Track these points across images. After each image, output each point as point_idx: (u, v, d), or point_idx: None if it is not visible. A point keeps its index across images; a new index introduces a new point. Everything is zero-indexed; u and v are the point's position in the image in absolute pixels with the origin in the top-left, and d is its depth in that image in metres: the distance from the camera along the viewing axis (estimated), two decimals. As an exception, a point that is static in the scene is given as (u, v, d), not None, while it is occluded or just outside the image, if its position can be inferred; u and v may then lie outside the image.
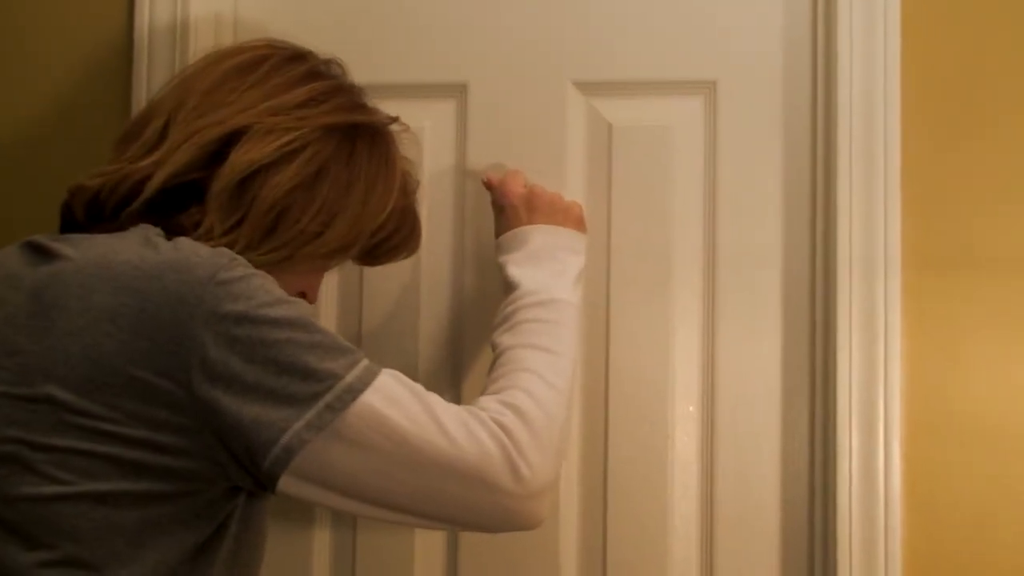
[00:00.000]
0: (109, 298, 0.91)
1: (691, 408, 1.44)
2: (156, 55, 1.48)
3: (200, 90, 1.08)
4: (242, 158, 1.04)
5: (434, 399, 0.98)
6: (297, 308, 0.96)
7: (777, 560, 1.42)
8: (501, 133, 1.47)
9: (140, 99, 1.45)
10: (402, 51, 1.49)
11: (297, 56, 1.14)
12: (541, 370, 1.08)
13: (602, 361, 1.44)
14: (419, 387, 0.98)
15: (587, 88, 1.47)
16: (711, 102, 1.46)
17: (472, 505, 0.96)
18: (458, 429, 0.96)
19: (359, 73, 1.19)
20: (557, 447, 1.02)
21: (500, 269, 1.25)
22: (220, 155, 1.04)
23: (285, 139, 1.06)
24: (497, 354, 1.14)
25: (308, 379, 0.92)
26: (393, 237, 1.24)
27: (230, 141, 1.05)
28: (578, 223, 1.31)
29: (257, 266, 0.99)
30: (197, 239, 1.00)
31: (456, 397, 1.45)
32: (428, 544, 1.46)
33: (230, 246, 1.01)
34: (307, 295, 1.19)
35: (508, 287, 1.22)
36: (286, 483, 0.93)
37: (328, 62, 1.16)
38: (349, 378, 0.93)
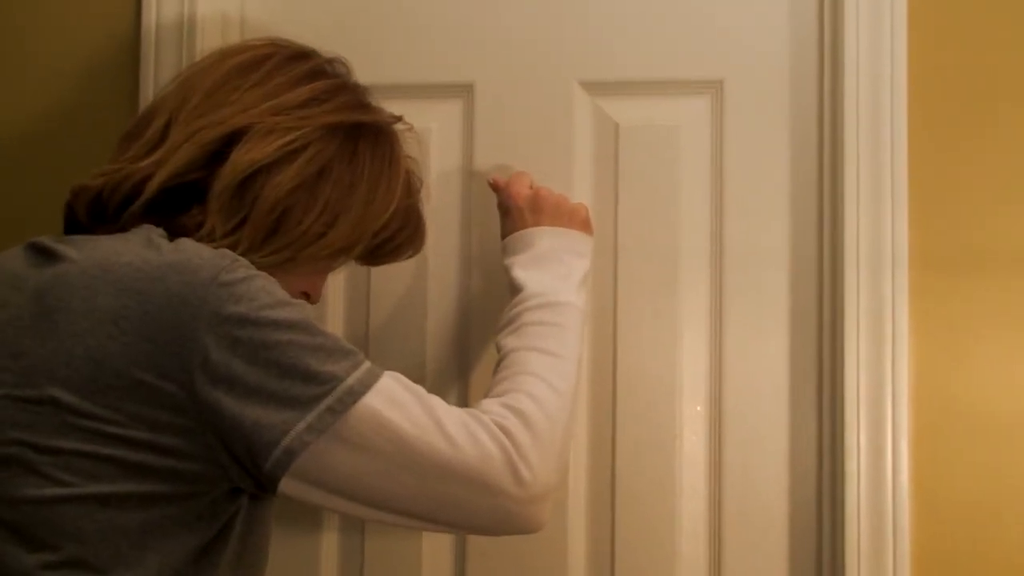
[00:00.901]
0: (112, 300, 0.92)
1: (699, 407, 1.44)
2: (163, 54, 1.48)
3: (202, 89, 1.07)
4: (243, 158, 1.04)
5: (436, 402, 0.98)
6: (299, 310, 0.96)
7: (785, 559, 1.41)
8: (508, 133, 1.47)
9: (147, 98, 1.46)
10: (408, 51, 1.49)
11: (300, 55, 1.13)
12: (544, 373, 1.07)
13: (609, 361, 1.44)
14: (421, 389, 0.98)
15: (594, 88, 1.47)
16: (718, 102, 1.45)
17: (473, 508, 0.96)
18: (459, 432, 0.95)
19: (365, 74, 1.19)
20: (559, 451, 1.02)
21: (505, 271, 1.25)
22: (221, 155, 1.04)
23: (286, 139, 1.06)
24: (501, 356, 1.13)
25: (310, 381, 0.92)
26: (397, 236, 1.24)
27: (231, 141, 1.04)
28: (584, 225, 1.30)
29: (260, 268, 0.99)
30: (199, 240, 1.00)
31: (463, 397, 1.45)
32: (436, 548, 1.46)
33: (232, 247, 1.01)
34: (310, 296, 1.19)
35: (513, 289, 1.22)
36: (287, 485, 0.93)
37: (332, 61, 1.16)
38: (351, 380, 0.93)
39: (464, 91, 1.48)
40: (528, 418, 1.00)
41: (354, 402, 0.93)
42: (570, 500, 1.43)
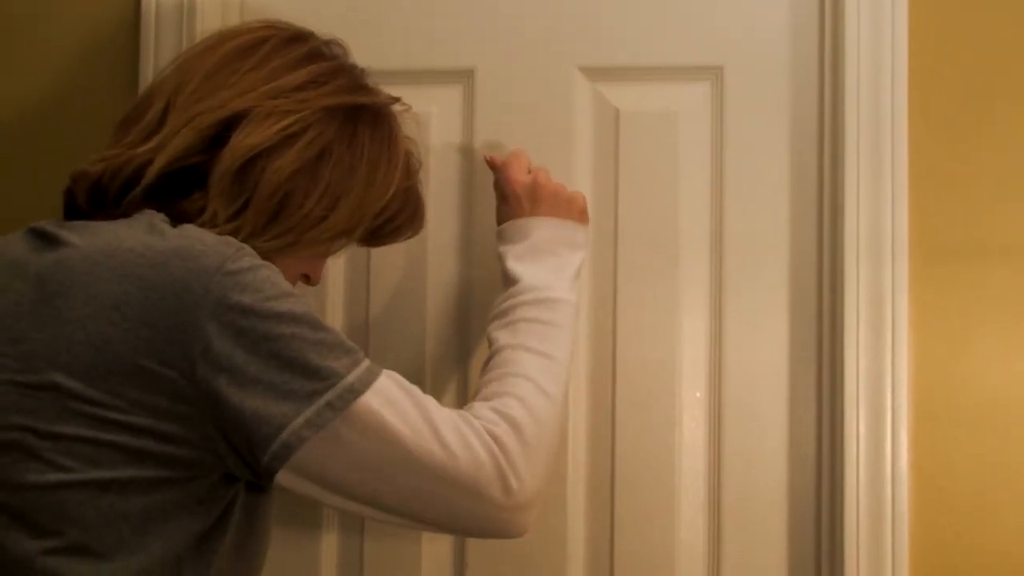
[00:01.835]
0: (114, 286, 0.91)
1: (698, 394, 1.44)
2: (163, 36, 1.48)
3: (200, 73, 1.07)
4: (242, 142, 1.03)
5: (431, 404, 0.98)
6: (303, 303, 0.96)
7: (784, 545, 1.42)
8: (508, 119, 1.46)
9: (147, 80, 1.45)
10: (409, 37, 1.48)
11: (297, 37, 1.13)
12: (536, 376, 1.08)
13: (609, 347, 1.44)
14: (416, 390, 0.99)
15: (594, 73, 1.47)
16: (718, 87, 1.45)
17: (460, 511, 0.97)
18: (453, 437, 0.96)
19: (366, 59, 1.19)
20: (547, 456, 1.03)
21: (499, 259, 1.25)
22: (220, 139, 1.04)
23: (285, 122, 1.05)
24: (493, 351, 1.14)
25: (310, 376, 0.92)
26: (397, 218, 1.23)
27: (230, 125, 1.04)
28: (581, 215, 1.29)
29: (262, 252, 0.99)
30: (201, 225, 1.00)
31: (462, 386, 1.46)
32: (435, 549, 1.46)
33: (234, 233, 1.01)
34: (310, 278, 1.19)
35: (507, 280, 1.22)
36: (283, 477, 0.93)
37: (329, 43, 1.15)
38: (350, 378, 0.93)
39: (465, 76, 1.48)
40: (518, 425, 1.00)
41: (353, 399, 0.93)
42: (569, 487, 1.44)
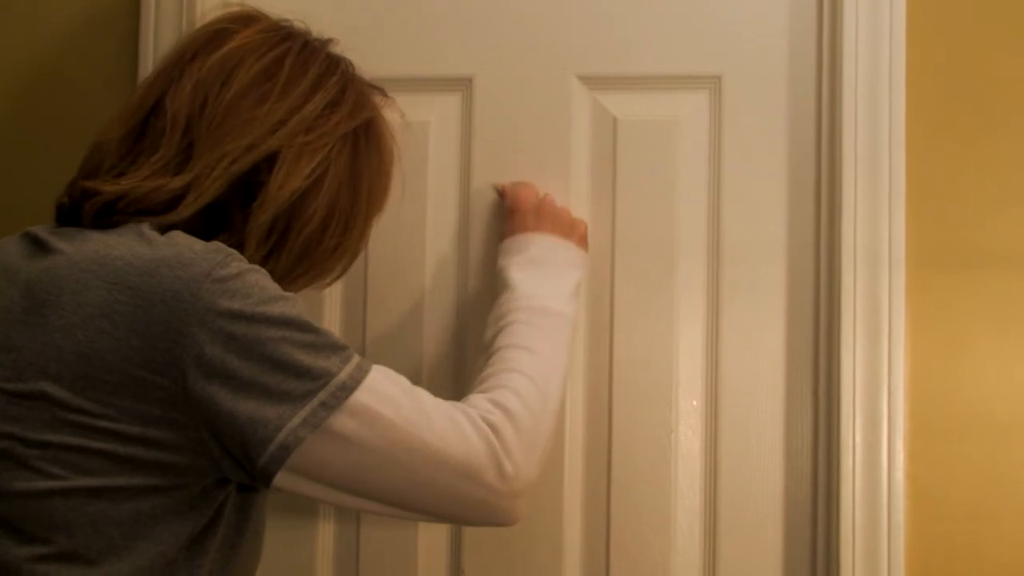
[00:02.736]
0: (103, 294, 0.92)
1: (695, 402, 1.44)
2: (163, 18, 1.48)
3: (221, 100, 1.05)
4: (281, 191, 1.05)
5: (424, 395, 1.00)
6: (292, 305, 0.96)
7: (780, 554, 1.42)
8: (506, 127, 1.47)
9: (147, 65, 1.45)
10: (407, 44, 1.49)
11: (306, 47, 1.13)
12: (530, 372, 1.09)
13: (606, 355, 1.44)
14: (408, 383, 1.00)
15: (592, 82, 1.47)
16: (716, 96, 1.45)
17: (457, 499, 0.98)
18: (447, 426, 0.98)
19: (364, 66, 1.19)
20: (542, 448, 1.05)
21: (499, 271, 1.27)
22: (250, 182, 1.05)
23: (315, 162, 1.07)
24: (489, 353, 1.15)
25: (303, 377, 0.93)
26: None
27: (260, 167, 1.05)
28: (581, 240, 1.32)
29: (286, 284, 1.02)
30: None
31: (459, 392, 1.45)
32: (432, 539, 1.46)
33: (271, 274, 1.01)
34: None
35: (505, 289, 1.23)
36: (281, 479, 0.94)
37: (325, 43, 1.16)
38: (342, 375, 0.94)
39: (463, 84, 1.48)
40: (513, 414, 1.02)
41: (347, 397, 0.94)
42: (565, 493, 1.44)
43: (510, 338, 1.15)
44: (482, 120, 1.47)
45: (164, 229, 1.00)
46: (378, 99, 1.19)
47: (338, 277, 1.21)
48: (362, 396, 0.95)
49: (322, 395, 0.93)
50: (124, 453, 0.92)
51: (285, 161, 1.05)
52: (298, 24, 1.15)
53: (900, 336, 1.36)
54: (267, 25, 1.13)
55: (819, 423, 1.41)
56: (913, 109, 1.38)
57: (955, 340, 1.38)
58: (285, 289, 1.00)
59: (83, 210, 1.02)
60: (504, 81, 1.47)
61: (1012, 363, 1.37)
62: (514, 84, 1.47)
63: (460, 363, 1.46)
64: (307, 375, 0.93)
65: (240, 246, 1.03)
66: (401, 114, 1.25)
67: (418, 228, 1.45)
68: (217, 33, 1.11)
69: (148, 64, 1.46)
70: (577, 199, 1.42)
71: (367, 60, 1.21)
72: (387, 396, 0.96)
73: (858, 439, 1.36)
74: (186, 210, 1.02)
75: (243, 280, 0.94)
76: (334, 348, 0.96)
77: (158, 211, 1.01)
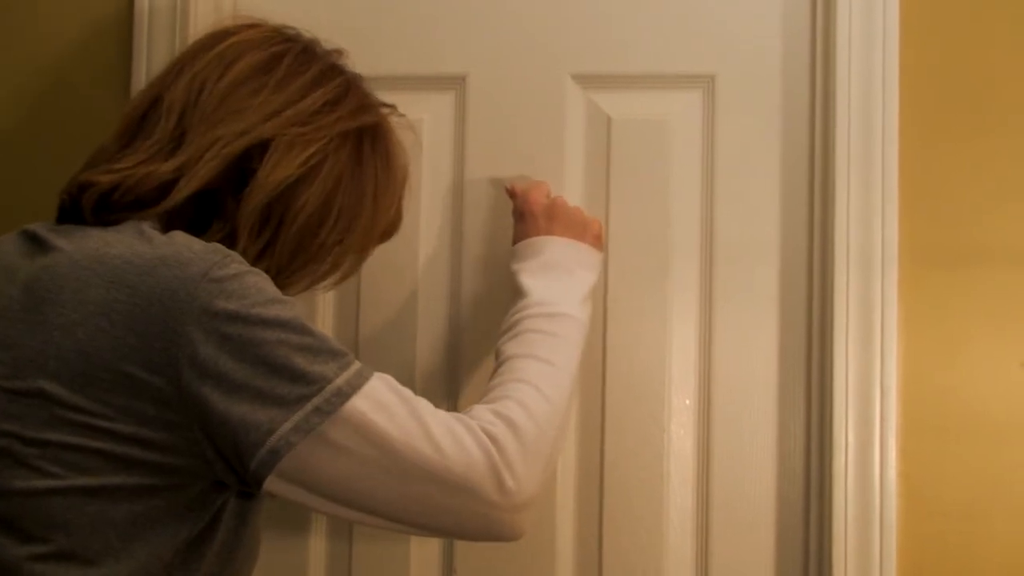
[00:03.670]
0: (102, 293, 0.91)
1: (687, 401, 1.44)
2: (156, 34, 1.48)
3: (215, 90, 1.05)
4: (270, 177, 1.04)
5: (423, 405, 0.97)
6: (290, 309, 0.95)
7: (772, 552, 1.42)
8: (500, 126, 1.47)
9: (140, 79, 1.45)
10: (401, 43, 1.49)
11: (308, 50, 1.13)
12: (538, 382, 1.07)
13: (599, 353, 1.44)
14: (409, 392, 0.98)
15: (586, 81, 1.47)
16: (710, 96, 1.45)
17: (454, 514, 0.96)
18: (445, 437, 0.95)
19: (358, 65, 1.19)
20: (546, 461, 1.02)
21: (512, 276, 1.25)
22: (243, 168, 1.04)
23: (308, 153, 1.06)
24: (499, 362, 1.13)
25: (297, 381, 0.92)
26: (389, 226, 1.25)
27: (253, 153, 1.04)
28: (596, 240, 1.30)
29: (282, 279, 1.00)
30: None
31: (453, 393, 1.46)
32: (424, 552, 1.46)
33: (266, 270, 1.01)
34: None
35: (518, 295, 1.22)
36: (271, 484, 0.93)
37: (331, 52, 1.15)
38: (339, 382, 0.93)
39: (456, 83, 1.48)
40: (517, 426, 0.99)
41: (341, 404, 0.92)
42: (558, 492, 1.44)
43: (520, 347, 1.13)
44: (476, 119, 1.47)
45: (162, 220, 1.00)
46: (393, 119, 1.19)
47: (345, 277, 1.21)
48: (358, 403, 0.93)
49: (316, 400, 0.92)
50: (120, 453, 0.91)
51: (277, 149, 1.04)
52: (305, 33, 1.15)
53: (893, 335, 1.37)
54: (270, 28, 1.14)
55: (812, 422, 1.41)
56: (906, 108, 1.39)
57: (948, 339, 1.38)
58: (287, 285, 0.99)
59: (82, 204, 1.02)
60: (498, 80, 1.47)
61: (1005, 362, 1.37)
62: (508, 83, 1.47)
63: (453, 362, 1.46)
64: (302, 379, 0.92)
65: (234, 234, 1.03)
66: (413, 132, 1.26)
67: (411, 226, 1.45)
68: (219, 32, 1.12)
69: (142, 69, 1.47)
70: (571, 198, 1.41)
71: (361, 58, 1.20)
72: (384, 405, 0.94)
73: (851, 438, 1.37)
74: (179, 194, 1.01)
75: (241, 281, 0.93)
76: (332, 353, 0.95)
77: (152, 199, 1.01)
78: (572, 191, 1.44)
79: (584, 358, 1.42)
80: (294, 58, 1.10)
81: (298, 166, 1.05)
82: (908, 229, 1.38)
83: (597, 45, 1.46)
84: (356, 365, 0.96)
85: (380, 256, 1.38)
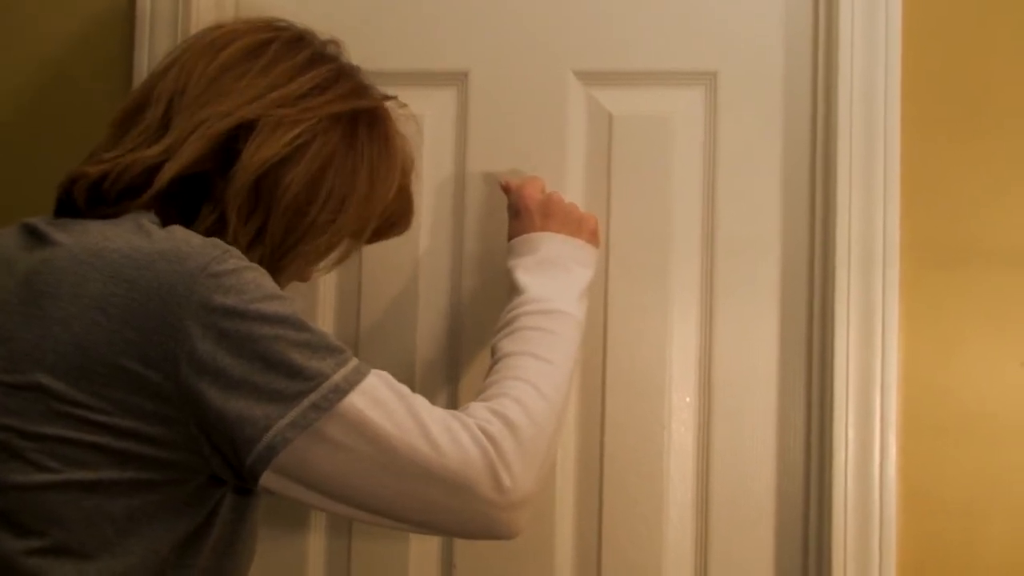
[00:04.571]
0: (100, 286, 0.91)
1: (688, 398, 1.44)
2: (157, 30, 1.48)
3: (203, 75, 1.06)
4: (254, 156, 1.03)
5: (421, 403, 0.97)
6: (288, 304, 0.95)
7: (772, 549, 1.42)
8: (502, 122, 1.47)
9: (141, 75, 1.45)
10: (403, 38, 1.49)
11: (299, 39, 1.12)
12: (535, 380, 1.07)
13: (599, 350, 1.44)
14: (406, 389, 0.98)
15: (588, 78, 1.47)
16: (711, 93, 1.45)
17: (451, 511, 0.96)
18: (442, 435, 0.95)
19: (360, 61, 1.18)
20: (543, 459, 1.02)
21: (508, 273, 1.25)
22: (229, 149, 1.04)
23: (294, 133, 1.05)
24: (495, 359, 1.13)
25: (295, 377, 0.92)
26: (393, 216, 1.24)
27: (238, 134, 1.04)
28: (592, 236, 1.30)
29: (274, 264, 1.00)
30: None
31: (453, 391, 1.46)
32: (423, 549, 1.46)
33: (259, 254, 1.01)
34: (303, 275, 1.19)
35: (514, 292, 1.22)
36: (267, 479, 0.93)
37: (327, 43, 1.15)
38: (336, 378, 0.93)
39: (458, 79, 1.48)
40: (514, 424, 0.99)
41: (339, 400, 0.92)
42: (558, 489, 1.44)
43: (516, 344, 1.13)
44: (477, 115, 1.47)
45: (155, 207, 1.01)
46: (396, 110, 1.19)
47: (343, 258, 1.21)
48: (355, 400, 0.93)
49: (313, 396, 0.91)
50: (118, 447, 0.91)
51: (263, 130, 1.04)
52: (299, 24, 1.15)
53: (893, 333, 1.37)
54: (262, 19, 1.14)
55: (812, 419, 1.41)
56: (908, 106, 1.39)
57: (948, 337, 1.38)
58: (282, 267, 0.98)
59: (74, 196, 1.02)
60: (500, 76, 1.47)
61: (1005, 360, 1.37)
62: (510, 79, 1.47)
63: (454, 357, 1.46)
64: (299, 375, 0.92)
65: (223, 218, 1.03)
66: (416, 125, 1.25)
67: (412, 222, 1.45)
68: (211, 26, 1.12)
69: (144, 64, 1.47)
70: (572, 195, 1.41)
71: (363, 54, 1.20)
72: (381, 402, 0.94)
73: (851, 435, 1.37)
74: (164, 176, 1.01)
75: (239, 276, 0.93)
76: (330, 349, 0.95)
77: (140, 185, 1.01)
78: (573, 188, 1.44)
79: (585, 355, 1.43)
80: (283, 44, 1.10)
81: (283, 146, 1.04)
82: (909, 227, 1.38)
83: (599, 42, 1.46)
84: (354, 362, 0.96)
85: (381, 252, 1.38)
